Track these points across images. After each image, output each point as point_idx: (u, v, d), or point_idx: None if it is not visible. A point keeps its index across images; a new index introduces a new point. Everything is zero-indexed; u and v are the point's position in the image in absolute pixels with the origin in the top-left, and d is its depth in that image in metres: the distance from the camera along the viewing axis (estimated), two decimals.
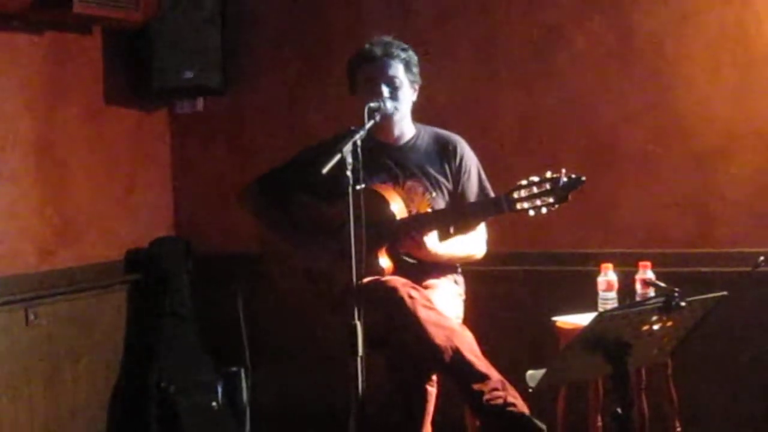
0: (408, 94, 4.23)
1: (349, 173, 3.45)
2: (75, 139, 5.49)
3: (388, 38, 4.27)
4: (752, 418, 4.85)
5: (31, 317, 5.17)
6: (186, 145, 6.06)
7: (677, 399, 4.43)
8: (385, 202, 4.07)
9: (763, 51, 4.84)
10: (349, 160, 3.46)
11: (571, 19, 5.17)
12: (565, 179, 3.73)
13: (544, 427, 3.77)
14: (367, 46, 4.24)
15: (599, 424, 4.29)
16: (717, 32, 4.92)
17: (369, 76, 4.18)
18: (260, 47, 5.82)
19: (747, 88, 4.88)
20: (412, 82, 4.24)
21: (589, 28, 5.14)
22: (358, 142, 3.52)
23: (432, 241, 4.07)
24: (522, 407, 3.82)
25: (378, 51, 4.19)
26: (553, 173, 3.75)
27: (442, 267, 4.26)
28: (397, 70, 4.19)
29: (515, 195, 3.80)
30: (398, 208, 4.09)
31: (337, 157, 3.46)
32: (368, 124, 3.70)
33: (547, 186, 3.75)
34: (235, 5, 5.75)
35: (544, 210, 3.77)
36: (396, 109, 4.16)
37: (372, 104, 3.85)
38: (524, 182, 3.79)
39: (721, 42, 4.91)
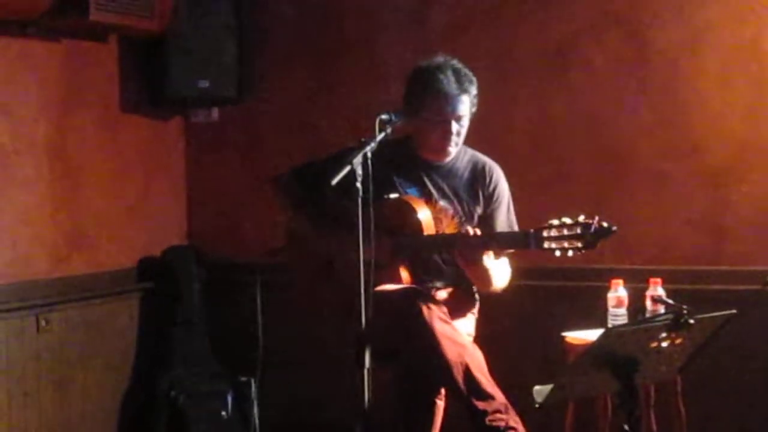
0: (467, 125, 4.20)
1: (358, 185, 3.46)
2: (89, 146, 5.51)
3: (455, 63, 4.16)
4: None
5: (43, 323, 5.18)
6: (200, 154, 6.07)
7: (686, 416, 4.42)
8: (417, 216, 4.05)
9: None
10: (359, 171, 3.47)
11: (586, 34, 5.18)
12: (596, 226, 3.66)
13: None
14: (441, 76, 4.08)
15: None
16: (731, 49, 4.92)
17: (440, 111, 4.09)
18: (275, 57, 5.83)
19: (760, 106, 4.88)
20: (472, 114, 4.20)
21: (604, 43, 5.15)
22: (369, 154, 3.53)
23: (490, 262, 4.00)
24: None
25: (454, 88, 4.08)
26: (585, 218, 3.68)
27: (461, 297, 4.24)
28: (467, 107, 4.13)
29: (545, 233, 3.74)
30: (428, 224, 4.08)
31: (347, 168, 3.47)
32: (379, 136, 3.70)
33: (578, 230, 3.67)
34: (250, 15, 5.76)
35: (570, 253, 3.70)
36: (457, 145, 4.17)
37: (383, 116, 3.83)
38: (555, 222, 3.72)
39: (736, 59, 4.91)
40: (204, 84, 5.65)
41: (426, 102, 4.10)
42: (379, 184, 3.78)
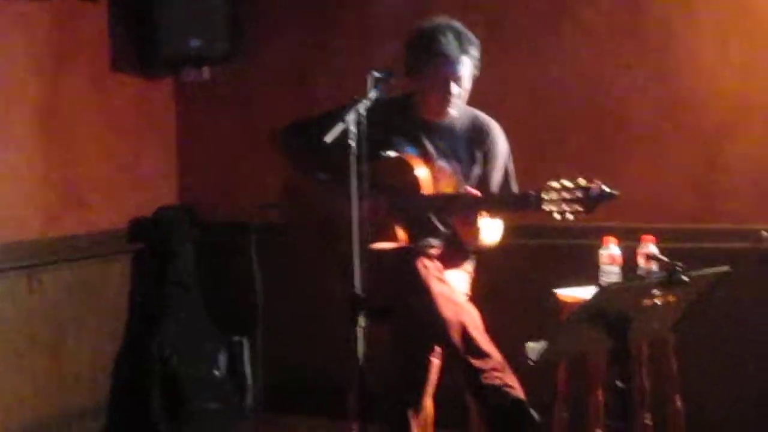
0: (469, 87, 4.18)
1: (352, 142, 3.44)
2: (81, 105, 5.49)
3: (456, 24, 4.12)
4: (752, 394, 4.86)
5: (35, 283, 5.18)
6: (192, 114, 6.05)
7: (678, 374, 4.43)
8: (415, 175, 4.05)
9: None
10: (353, 129, 3.45)
11: None
12: (597, 191, 3.61)
13: (537, 417, 3.76)
14: (441, 38, 4.06)
15: (600, 397, 4.29)
16: (725, 6, 4.90)
17: (440, 72, 4.07)
18: (267, 15, 5.80)
19: (755, 64, 4.86)
20: (474, 76, 4.17)
21: (597, 2, 5.13)
22: (362, 112, 3.51)
23: (483, 222, 3.98)
24: (519, 392, 3.81)
25: (455, 49, 4.05)
26: (587, 182, 3.63)
27: (456, 252, 4.22)
28: (468, 67, 4.10)
29: (545, 196, 3.69)
30: (426, 183, 4.06)
31: (341, 126, 3.46)
32: (372, 94, 3.67)
33: (578, 194, 3.62)
34: None
35: (570, 216, 3.65)
36: (458, 106, 4.15)
37: (376, 74, 3.80)
38: (556, 184, 3.67)
39: (730, 16, 4.89)
40: (195, 43, 5.62)
41: (426, 63, 4.08)
42: (377, 143, 3.78)
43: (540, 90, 5.26)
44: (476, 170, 4.20)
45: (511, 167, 4.28)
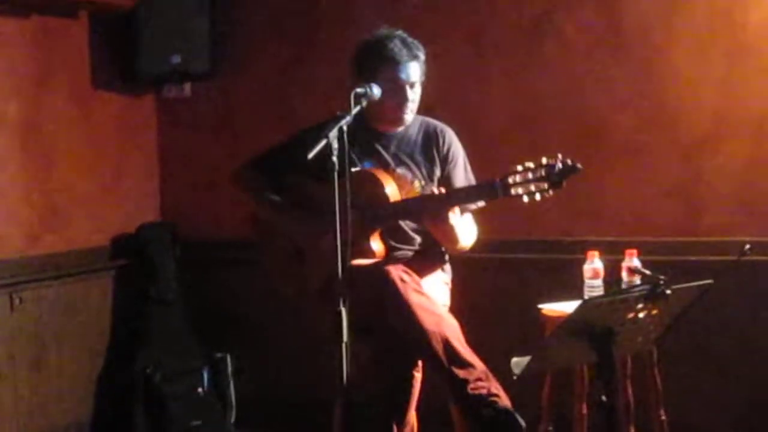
0: (420, 92, 4.21)
1: (334, 158, 3.44)
2: (62, 123, 5.47)
3: (400, 32, 4.17)
4: (737, 406, 4.87)
5: (17, 302, 5.15)
6: (173, 131, 6.03)
7: (662, 387, 4.43)
8: (380, 185, 4.06)
9: (750, 39, 4.86)
10: (335, 145, 3.45)
11: (560, 7, 5.18)
12: (560, 165, 3.69)
13: (524, 424, 3.76)
14: (389, 45, 4.10)
15: (584, 411, 4.29)
16: (705, 21, 4.93)
17: (393, 78, 4.09)
18: (248, 32, 5.80)
19: (735, 77, 4.89)
20: (422, 81, 4.21)
21: (578, 16, 5.15)
22: (344, 128, 3.50)
23: (455, 219, 3.99)
24: (505, 400, 3.80)
25: (405, 54, 4.10)
26: (548, 159, 3.70)
27: (431, 255, 4.24)
28: (418, 73, 4.14)
29: (510, 180, 3.75)
30: (392, 191, 4.08)
31: (323, 142, 3.45)
32: (354, 110, 3.68)
33: (542, 172, 3.69)
34: None
35: (538, 196, 3.71)
36: (413, 112, 4.19)
37: (358, 90, 3.81)
38: (519, 168, 3.74)
39: (709, 30, 4.92)
40: (176, 59, 5.62)
41: (379, 71, 4.09)
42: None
43: (520, 104, 5.28)
44: (437, 172, 4.23)
45: (468, 167, 4.30)
